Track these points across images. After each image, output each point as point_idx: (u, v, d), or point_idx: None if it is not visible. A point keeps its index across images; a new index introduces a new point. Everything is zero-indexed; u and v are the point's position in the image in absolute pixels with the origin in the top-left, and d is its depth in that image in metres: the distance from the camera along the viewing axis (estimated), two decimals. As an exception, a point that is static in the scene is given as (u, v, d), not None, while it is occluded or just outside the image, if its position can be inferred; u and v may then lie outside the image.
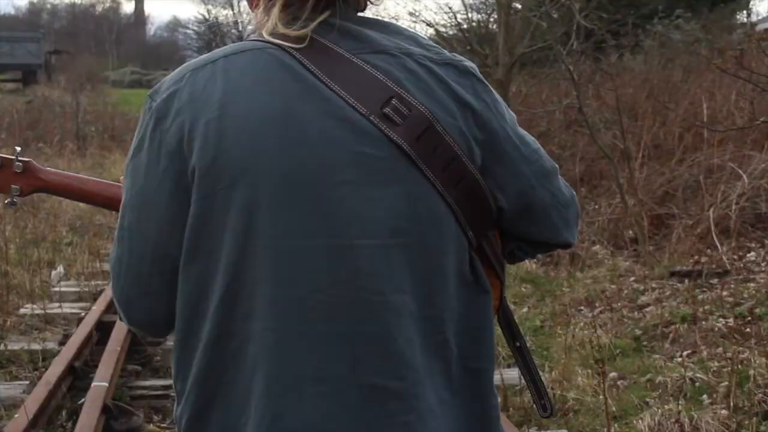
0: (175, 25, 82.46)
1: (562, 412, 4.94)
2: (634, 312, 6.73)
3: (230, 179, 1.36)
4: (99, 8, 71.53)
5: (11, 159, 1.83)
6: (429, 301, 1.42)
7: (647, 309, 6.73)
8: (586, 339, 6.08)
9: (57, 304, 6.78)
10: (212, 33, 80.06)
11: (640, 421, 4.54)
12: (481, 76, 1.51)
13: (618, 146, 10.28)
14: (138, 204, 1.43)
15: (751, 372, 4.92)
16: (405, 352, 1.39)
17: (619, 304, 6.92)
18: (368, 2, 1.52)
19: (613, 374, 5.39)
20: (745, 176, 8.15)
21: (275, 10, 1.44)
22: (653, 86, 12.67)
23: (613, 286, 7.45)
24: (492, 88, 1.52)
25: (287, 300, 1.36)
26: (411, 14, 17.92)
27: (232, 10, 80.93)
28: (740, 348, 5.46)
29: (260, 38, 1.45)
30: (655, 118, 11.08)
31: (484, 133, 1.46)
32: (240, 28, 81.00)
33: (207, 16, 79.39)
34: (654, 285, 7.19)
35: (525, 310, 7.11)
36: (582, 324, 6.55)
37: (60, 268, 8.00)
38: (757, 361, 5.05)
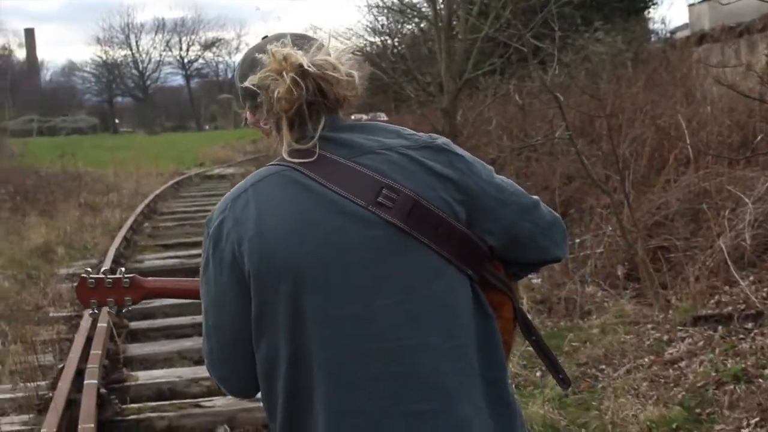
0: (71, 69, 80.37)
1: None
2: (667, 369, 5.89)
3: (275, 277, 1.83)
4: (-10, 57, 69.14)
5: (120, 278, 2.33)
6: (449, 335, 1.84)
7: (681, 364, 5.90)
8: (629, 411, 5.22)
9: (-6, 420, 5.65)
10: (110, 74, 78.23)
11: None
12: (454, 148, 1.94)
13: (587, 172, 9.51)
14: (214, 307, 1.93)
15: None
16: (432, 380, 1.81)
17: (645, 359, 6.08)
18: (345, 104, 1.93)
19: (683, 461, 4.54)
20: (749, 201, 7.40)
21: (285, 131, 1.89)
22: (603, 103, 11.92)
23: (629, 337, 6.61)
24: (465, 155, 1.94)
25: (332, 358, 1.81)
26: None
27: (130, 49, 79.37)
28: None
29: (278, 161, 1.91)
30: (622, 138, 10.33)
31: (462, 194, 1.89)
32: (140, 68, 79.52)
33: (104, 58, 77.71)
34: (680, 334, 6.36)
35: (538, 374, 6.21)
36: (611, 389, 5.69)
37: (-12, 368, 6.85)
38: None
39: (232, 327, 1.90)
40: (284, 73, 1.83)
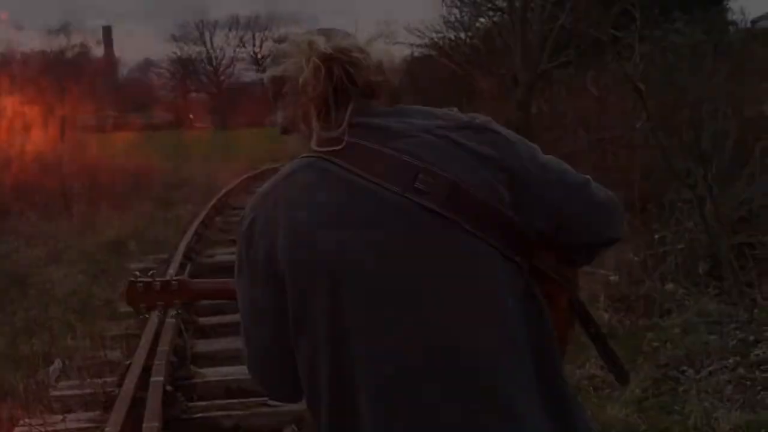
0: (146, 65, 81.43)
1: None
2: (753, 372, 5.61)
3: (310, 273, 1.71)
4: (69, 54, 70.35)
5: (168, 281, 2.34)
6: (498, 327, 1.69)
7: (768, 366, 5.62)
8: (713, 416, 4.96)
9: (60, 417, 5.56)
10: (185, 70, 79.14)
11: None
12: (495, 127, 1.83)
13: (669, 164, 9.18)
14: (250, 311, 1.84)
15: None
16: (482, 376, 1.65)
17: (730, 361, 5.80)
18: (377, 91, 1.84)
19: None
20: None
21: (314, 123, 1.80)
22: (685, 93, 11.51)
23: (712, 337, 6.32)
24: (508, 135, 1.81)
25: (376, 357, 1.67)
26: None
27: (204, 46, 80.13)
28: None
29: (308, 154, 1.80)
30: (701, 130, 9.95)
31: (505, 175, 1.75)
32: (213, 64, 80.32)
33: (179, 54, 78.65)
34: (767, 334, 6.06)
35: (616, 375, 5.95)
36: (694, 392, 5.42)
37: (57, 363, 6.80)
38: None
39: (268, 328, 1.80)
40: (308, 59, 1.77)
